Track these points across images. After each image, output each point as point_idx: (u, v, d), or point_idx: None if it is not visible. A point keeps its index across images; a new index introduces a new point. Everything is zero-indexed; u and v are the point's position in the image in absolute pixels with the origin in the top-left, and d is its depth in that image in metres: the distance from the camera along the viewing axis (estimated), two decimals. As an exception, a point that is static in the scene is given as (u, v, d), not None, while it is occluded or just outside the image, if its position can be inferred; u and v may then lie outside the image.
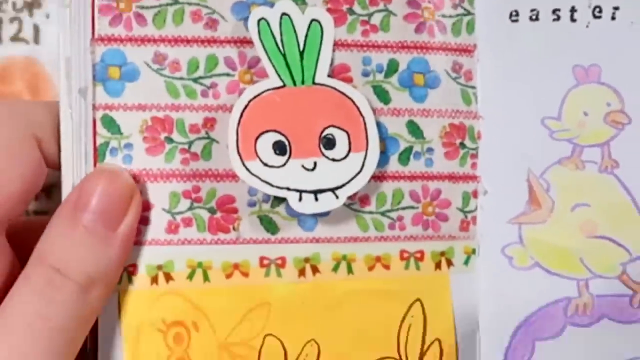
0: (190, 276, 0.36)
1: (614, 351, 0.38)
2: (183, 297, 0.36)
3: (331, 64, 0.36)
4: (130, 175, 0.34)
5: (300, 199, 0.35)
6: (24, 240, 0.34)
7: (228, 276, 0.36)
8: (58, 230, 0.32)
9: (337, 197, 0.36)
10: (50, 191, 0.36)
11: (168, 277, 0.36)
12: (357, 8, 0.36)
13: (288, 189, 0.35)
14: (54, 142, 0.34)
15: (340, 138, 0.36)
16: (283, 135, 0.35)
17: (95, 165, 0.34)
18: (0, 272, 0.33)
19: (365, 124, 0.36)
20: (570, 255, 0.38)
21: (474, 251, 0.39)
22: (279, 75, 0.35)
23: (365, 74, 0.37)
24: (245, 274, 0.36)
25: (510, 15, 0.38)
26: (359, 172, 0.36)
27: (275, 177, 0.35)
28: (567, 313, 0.38)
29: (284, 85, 0.35)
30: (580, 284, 0.38)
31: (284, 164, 0.35)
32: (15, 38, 0.42)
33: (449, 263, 0.38)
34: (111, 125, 0.35)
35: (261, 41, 0.35)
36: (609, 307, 0.38)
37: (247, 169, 0.35)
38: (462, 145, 0.38)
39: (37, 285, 0.32)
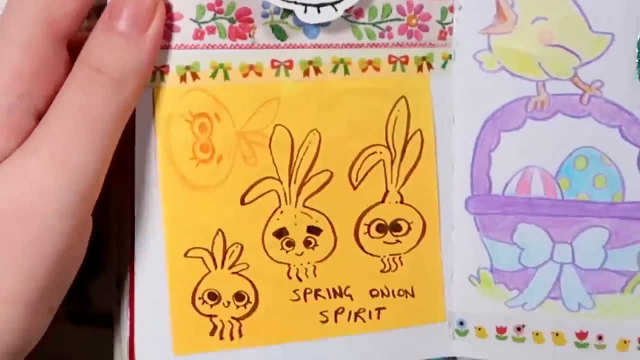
0: (214, 75, 0.41)
1: (566, 140, 0.43)
2: (207, 92, 0.41)
3: None
4: None
5: (305, 12, 0.41)
6: None
7: (245, 76, 0.41)
8: (97, 37, 0.36)
9: (336, 10, 0.41)
10: (100, 12, 0.40)
11: (195, 76, 0.40)
12: None
13: (295, 2, 0.40)
14: None
15: (339, -41, 0.41)
16: (291, -43, 0.40)
17: None
18: (64, 76, 0.37)
19: (359, -51, 0.41)
20: (531, 60, 0.43)
21: (450, 57, 0.44)
22: None
23: None
24: (259, 74, 0.42)
25: None
26: (354, -11, 0.41)
27: (285, -8, 0.40)
28: (528, 109, 0.43)
29: None
30: (539, 85, 0.43)
31: (292, -18, 0.40)
32: None
33: (430, 67, 0.44)
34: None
35: None
36: (563, 104, 0.42)
37: (262, -14, 0.40)
38: (442, -33, 0.43)
39: (81, 82, 0.36)
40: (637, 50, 0.41)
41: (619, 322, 0.43)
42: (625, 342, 0.44)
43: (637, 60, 0.41)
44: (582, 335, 0.45)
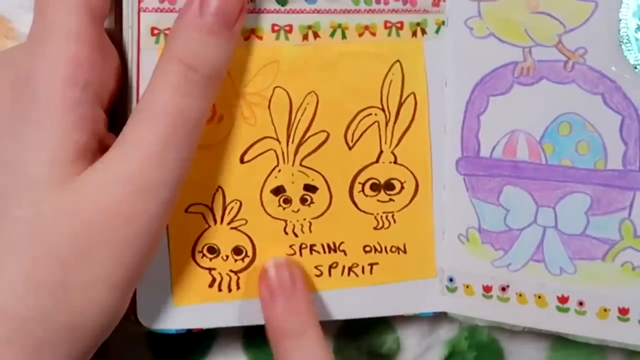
0: None
1: (550, 106, 0.47)
2: None
3: None
4: None
5: (305, -22, 0.46)
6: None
7: (246, 39, 0.46)
8: (187, 33, 0.40)
9: (334, -24, 0.46)
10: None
11: (198, 39, 0.46)
12: None
13: (295, -31, 0.45)
14: None
15: None
16: None
17: None
18: (112, 57, 0.42)
19: None
20: (517, 26, 0.47)
21: (443, 23, 0.50)
22: None
23: None
24: (260, 37, 0.47)
25: None
26: (352, -43, 0.46)
27: (285, -39, 0.45)
28: (514, 74, 0.47)
29: None
30: (525, 51, 0.47)
31: (293, -51, 0.45)
32: None
33: (423, 32, 0.49)
34: None
35: None
36: (547, 70, 0.46)
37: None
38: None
39: (174, 81, 0.39)
40: (619, 18, 0.46)
41: (600, 290, 0.47)
42: (605, 310, 0.47)
43: (620, 28, 0.46)
44: (563, 300, 0.49)
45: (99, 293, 0.40)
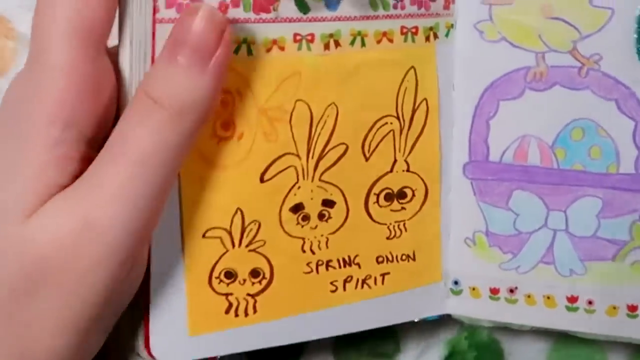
0: (237, 50, 0.43)
1: (563, 111, 0.48)
2: (230, 67, 0.42)
3: None
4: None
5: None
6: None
7: (268, 50, 0.44)
8: (158, 67, 0.38)
9: (355, -19, 0.45)
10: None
11: (218, 51, 0.43)
12: None
13: (317, -26, 0.44)
14: None
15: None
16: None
17: None
18: (109, 89, 0.40)
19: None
20: (531, 31, 0.48)
21: (452, 26, 0.49)
22: None
23: None
24: (282, 48, 0.45)
25: None
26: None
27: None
28: (527, 79, 0.48)
29: None
30: (538, 56, 0.48)
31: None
32: None
33: (435, 36, 0.49)
34: None
35: None
36: (561, 76, 0.47)
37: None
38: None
39: (137, 112, 0.37)
40: (635, 25, 0.47)
41: (609, 288, 0.48)
42: (614, 308, 0.49)
43: (635, 35, 0.47)
44: (572, 299, 0.51)
45: (40, 330, 0.38)
